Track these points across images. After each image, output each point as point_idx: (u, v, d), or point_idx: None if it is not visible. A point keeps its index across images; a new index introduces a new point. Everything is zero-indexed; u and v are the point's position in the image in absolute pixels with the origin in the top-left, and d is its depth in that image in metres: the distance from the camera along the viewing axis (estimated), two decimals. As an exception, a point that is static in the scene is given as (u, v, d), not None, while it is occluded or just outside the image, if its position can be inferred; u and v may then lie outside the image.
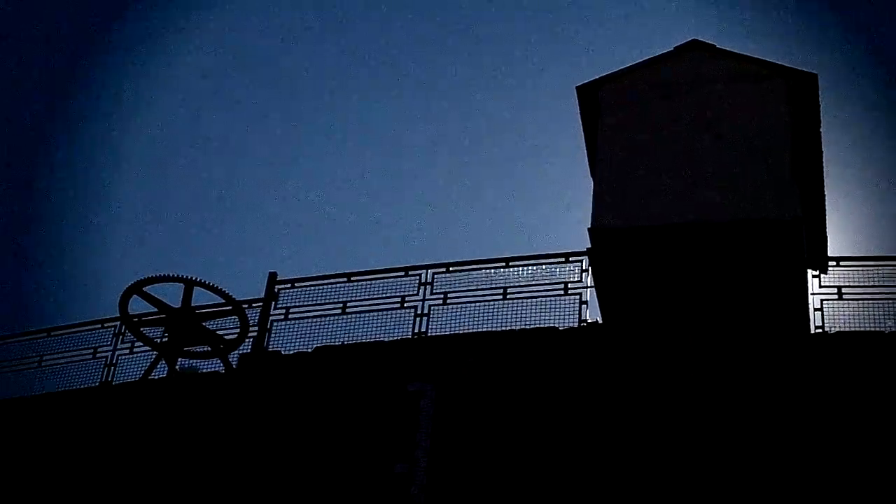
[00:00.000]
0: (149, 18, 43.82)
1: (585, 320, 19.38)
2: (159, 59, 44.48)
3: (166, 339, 21.05)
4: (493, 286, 20.01)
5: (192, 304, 20.91)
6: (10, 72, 43.40)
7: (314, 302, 20.77)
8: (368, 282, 20.67)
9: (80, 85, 44.00)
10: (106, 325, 22.02)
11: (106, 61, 44.07)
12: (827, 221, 20.59)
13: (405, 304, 20.19)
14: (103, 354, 21.71)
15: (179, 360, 21.03)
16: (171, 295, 20.91)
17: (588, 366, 18.45)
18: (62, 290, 41.06)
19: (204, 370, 21.06)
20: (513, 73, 45.77)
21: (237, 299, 20.73)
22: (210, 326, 21.05)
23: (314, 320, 20.59)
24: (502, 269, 20.17)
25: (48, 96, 43.99)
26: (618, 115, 19.66)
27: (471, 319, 19.74)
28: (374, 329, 20.12)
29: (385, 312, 20.26)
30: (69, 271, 41.84)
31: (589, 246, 18.75)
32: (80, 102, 43.87)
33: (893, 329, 18.38)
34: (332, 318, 20.49)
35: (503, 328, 19.47)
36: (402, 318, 20.08)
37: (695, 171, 18.75)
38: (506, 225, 44.70)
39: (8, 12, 42.82)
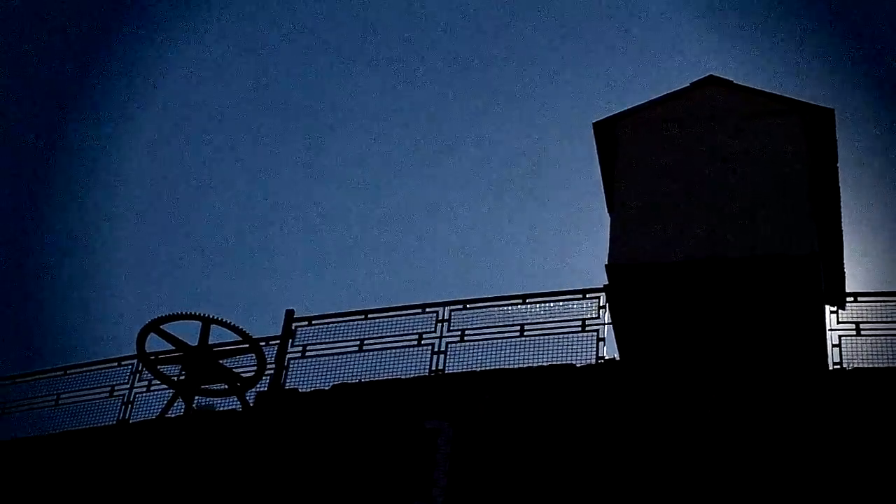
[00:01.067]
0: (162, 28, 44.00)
1: (603, 357, 19.33)
2: (169, 79, 44.68)
3: (183, 377, 21.04)
4: (511, 323, 19.98)
5: (209, 342, 20.91)
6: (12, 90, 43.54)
7: (331, 339, 20.76)
8: (385, 319, 20.66)
9: (90, 114, 44.15)
10: (123, 363, 22.01)
11: (112, 82, 44.25)
12: (844, 257, 20.55)
13: (422, 342, 20.16)
14: (120, 392, 21.70)
15: (196, 398, 21.01)
16: (188, 333, 20.93)
17: (605, 403, 18.39)
18: (78, 328, 41.11)
19: (221, 408, 21.04)
20: (530, 109, 45.87)
21: (254, 337, 20.74)
22: (227, 364, 21.03)
23: (331, 358, 20.58)
24: (519, 306, 20.14)
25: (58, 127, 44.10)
26: (635, 151, 19.67)
27: (488, 356, 19.72)
28: (391, 366, 20.10)
29: (402, 349, 20.23)
30: (84, 309, 41.91)
31: (606, 282, 18.74)
32: (88, 131, 44.02)
33: (912, 365, 18.31)
34: (349, 355, 20.48)
35: (520, 365, 19.43)
36: (419, 356, 20.05)
37: (712, 207, 18.74)
38: (523, 261, 44.69)
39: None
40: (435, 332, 20.22)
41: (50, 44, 44.07)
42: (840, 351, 18.74)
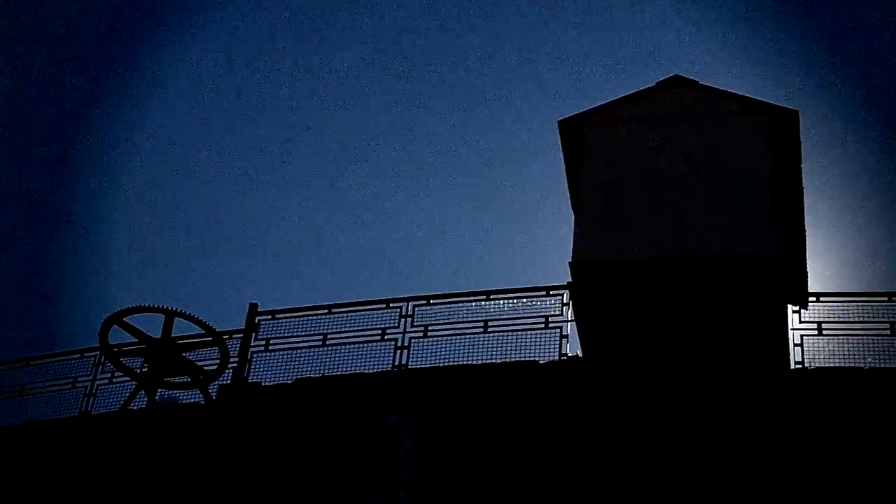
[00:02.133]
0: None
1: (566, 354, 19.37)
2: (147, 90, 44.60)
3: (146, 369, 20.99)
4: (474, 319, 20.00)
5: (173, 335, 20.86)
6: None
7: (295, 333, 20.74)
8: (349, 314, 20.65)
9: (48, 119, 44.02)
10: (86, 354, 21.92)
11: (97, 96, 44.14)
12: (807, 257, 20.65)
13: (386, 337, 20.17)
14: (83, 384, 21.61)
15: (159, 390, 20.96)
16: (152, 325, 20.88)
17: (568, 400, 18.43)
18: (40, 318, 40.95)
19: (183, 401, 20.99)
20: (495, 106, 45.90)
21: (217, 330, 20.69)
22: (190, 357, 20.99)
23: (295, 352, 20.55)
24: (483, 302, 20.16)
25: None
26: (600, 149, 19.71)
27: (451, 352, 19.73)
28: (354, 361, 20.09)
29: (366, 345, 20.23)
30: (48, 300, 41.74)
31: (570, 280, 18.78)
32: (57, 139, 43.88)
33: (873, 365, 18.41)
34: (312, 349, 20.45)
35: (484, 361, 19.46)
36: (382, 351, 20.05)
37: (676, 206, 18.81)
38: (487, 258, 44.72)
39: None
40: (398, 327, 20.23)
41: (52, 47, 44.05)
42: (802, 350, 18.85)
